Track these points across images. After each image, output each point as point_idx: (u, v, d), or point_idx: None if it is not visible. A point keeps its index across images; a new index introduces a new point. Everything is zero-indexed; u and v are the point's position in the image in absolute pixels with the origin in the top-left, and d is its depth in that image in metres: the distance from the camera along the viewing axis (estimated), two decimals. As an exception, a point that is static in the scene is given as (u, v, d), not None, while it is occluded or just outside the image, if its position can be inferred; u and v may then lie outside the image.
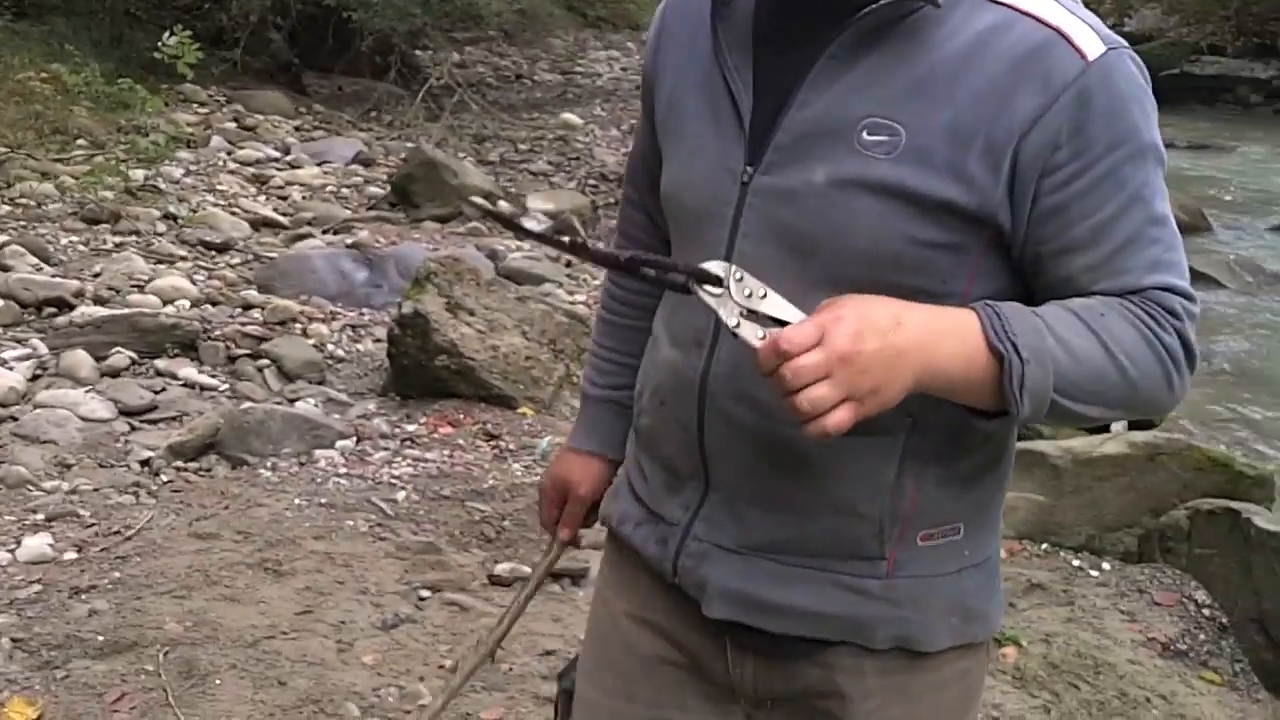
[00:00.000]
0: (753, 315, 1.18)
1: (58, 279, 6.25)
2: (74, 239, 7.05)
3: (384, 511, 4.19)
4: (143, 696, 3.05)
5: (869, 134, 1.25)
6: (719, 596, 1.41)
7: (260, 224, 8.01)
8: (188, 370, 5.46)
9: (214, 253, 7.23)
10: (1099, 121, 1.22)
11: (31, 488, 4.31)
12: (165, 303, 6.16)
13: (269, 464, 4.53)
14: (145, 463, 4.58)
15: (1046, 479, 4.43)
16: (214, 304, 6.30)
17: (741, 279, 1.19)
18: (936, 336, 1.18)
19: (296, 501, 4.19)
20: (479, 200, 7.96)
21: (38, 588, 3.56)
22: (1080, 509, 4.38)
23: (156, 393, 5.23)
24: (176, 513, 4.11)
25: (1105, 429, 4.94)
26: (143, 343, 5.58)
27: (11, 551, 3.77)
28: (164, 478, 4.43)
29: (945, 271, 1.27)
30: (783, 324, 1.17)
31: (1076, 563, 4.21)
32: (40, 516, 4.03)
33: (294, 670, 3.23)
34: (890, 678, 1.41)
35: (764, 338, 1.16)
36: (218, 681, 3.14)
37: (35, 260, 6.53)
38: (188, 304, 6.20)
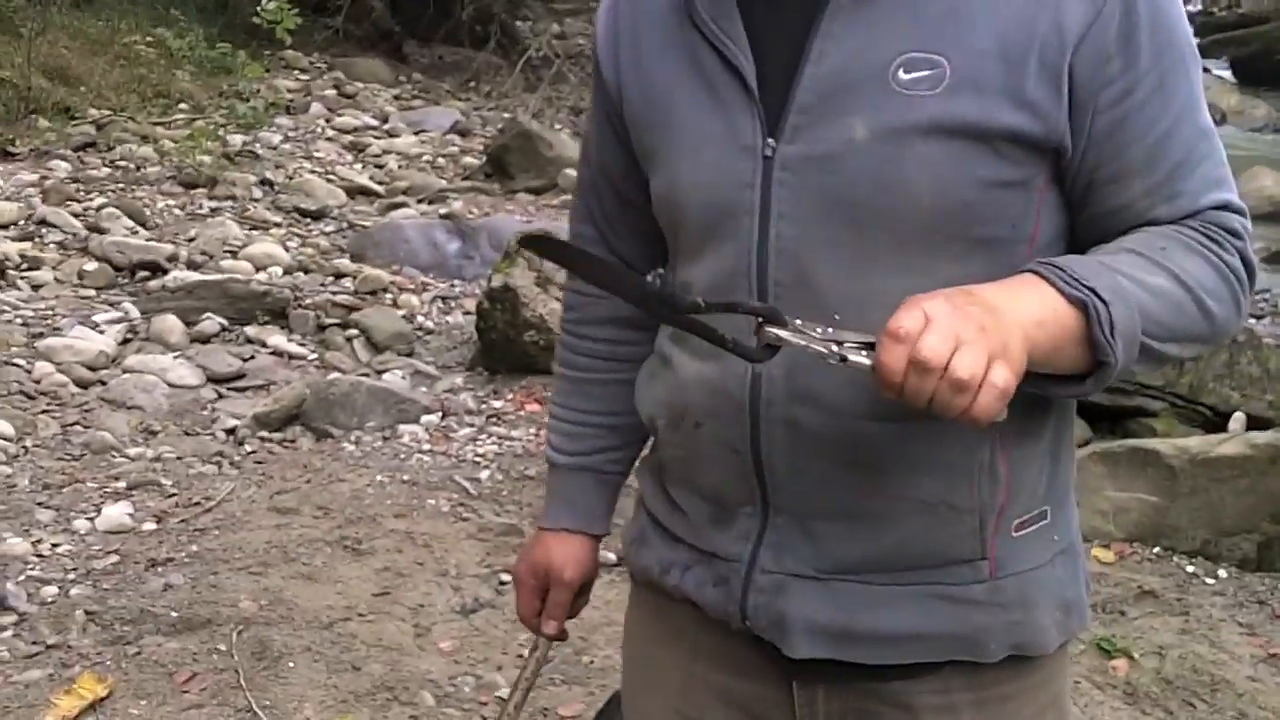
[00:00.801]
0: (832, 338, 1.03)
1: (152, 243, 6.25)
2: (170, 203, 7.07)
3: (467, 491, 4.08)
4: (214, 677, 2.97)
5: (906, 72, 1.11)
6: (804, 632, 1.23)
7: (356, 192, 7.97)
8: (277, 338, 5.41)
9: (308, 220, 7.21)
10: (1145, 27, 1.11)
11: (115, 454, 4.28)
12: (257, 269, 6.13)
13: (353, 437, 4.44)
14: (230, 431, 4.53)
15: (1160, 479, 4.19)
16: (306, 271, 6.26)
17: (800, 324, 1.03)
18: (1015, 296, 1.04)
19: (378, 478, 4.10)
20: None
21: (115, 559, 3.51)
22: (1195, 512, 4.13)
23: (245, 360, 5.19)
24: (258, 485, 4.04)
25: (1223, 429, 4.68)
26: (233, 309, 5.55)
27: (91, 520, 3.73)
28: (248, 448, 4.38)
29: (1016, 213, 1.14)
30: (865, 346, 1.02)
31: (1190, 569, 3.97)
32: (122, 484, 4.00)
33: (369, 655, 3.14)
34: (995, 689, 1.25)
35: (866, 354, 1.00)
36: (290, 664, 3.05)
37: (131, 223, 6.54)
38: (280, 271, 6.16)
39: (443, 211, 7.54)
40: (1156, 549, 4.06)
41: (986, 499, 1.18)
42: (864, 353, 1.00)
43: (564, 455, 1.48)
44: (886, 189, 1.11)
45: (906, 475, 1.18)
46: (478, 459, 4.34)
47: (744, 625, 1.26)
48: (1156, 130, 1.13)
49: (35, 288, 5.78)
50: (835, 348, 1.01)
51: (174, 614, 3.20)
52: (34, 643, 3.07)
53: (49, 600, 3.27)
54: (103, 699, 2.86)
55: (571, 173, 7.09)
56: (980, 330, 0.98)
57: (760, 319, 1.04)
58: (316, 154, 8.73)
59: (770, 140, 1.15)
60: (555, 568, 1.48)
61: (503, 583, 3.60)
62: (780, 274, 1.16)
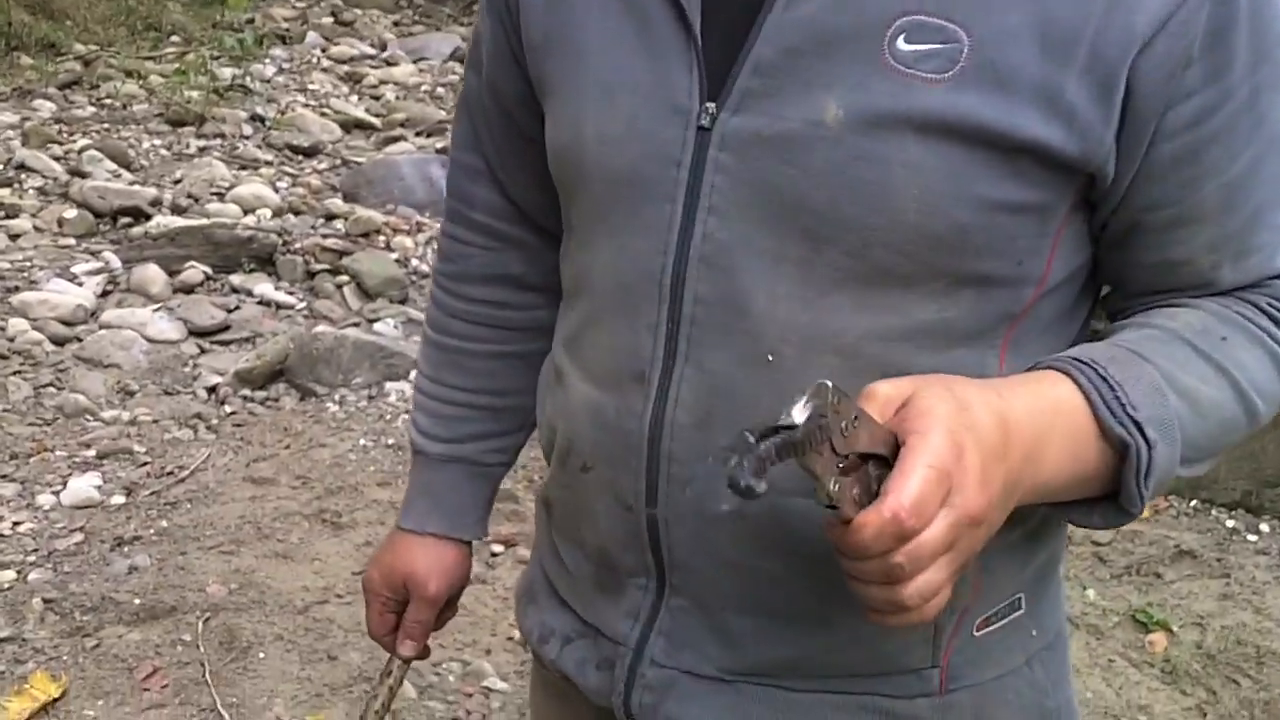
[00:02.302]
0: (846, 462, 0.73)
1: (135, 186, 5.98)
2: (157, 142, 6.78)
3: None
4: (176, 673, 2.75)
5: (908, 42, 0.81)
6: None
7: (351, 126, 7.65)
8: (264, 287, 5.16)
9: (300, 157, 6.91)
10: (1243, 25, 0.80)
11: (89, 418, 4.05)
12: (246, 211, 5.86)
13: (337, 396, 4.20)
14: (212, 390, 4.29)
15: (1198, 425, 3.94)
16: (296, 213, 5.98)
17: (839, 403, 0.71)
18: (1042, 436, 0.78)
19: (362, 442, 3.86)
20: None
21: (79, 537, 3.29)
22: (1236, 462, 3.86)
23: (229, 311, 4.94)
24: (235, 451, 3.81)
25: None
26: (218, 256, 5.29)
27: (57, 494, 3.51)
28: (228, 408, 4.14)
29: (1025, 247, 0.85)
30: (873, 460, 0.74)
31: (1231, 523, 3.71)
32: (92, 453, 3.77)
33: (346, 641, 2.92)
34: None
35: (857, 498, 0.73)
36: (261, 655, 2.84)
37: (114, 166, 6.27)
38: (269, 214, 5.89)
39: (439, 145, 7.23)
40: (1194, 502, 3.80)
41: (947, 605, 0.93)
42: (855, 490, 0.72)
43: (432, 441, 1.20)
44: (858, 195, 0.82)
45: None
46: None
47: (628, 716, 1.01)
48: (1239, 164, 0.84)
49: (13, 237, 5.53)
50: (836, 477, 0.71)
51: (137, 601, 2.98)
52: (-13, 635, 2.86)
53: (6, 587, 3.05)
54: (56, 699, 2.65)
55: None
56: (984, 535, 0.75)
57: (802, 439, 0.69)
58: (311, 86, 8.40)
59: (709, 105, 0.86)
60: (417, 579, 1.20)
61: (494, 554, 3.38)
62: (703, 287, 0.87)
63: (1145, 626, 3.08)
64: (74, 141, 6.59)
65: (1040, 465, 0.78)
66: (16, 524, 3.35)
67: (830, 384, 0.70)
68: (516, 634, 3.03)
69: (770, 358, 0.85)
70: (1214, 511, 3.78)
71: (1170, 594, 3.28)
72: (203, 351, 4.66)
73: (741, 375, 0.86)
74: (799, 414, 0.68)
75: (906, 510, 0.70)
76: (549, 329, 1.09)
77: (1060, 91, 0.79)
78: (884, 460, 0.73)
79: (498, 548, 3.39)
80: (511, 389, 1.16)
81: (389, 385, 4.28)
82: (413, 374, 4.30)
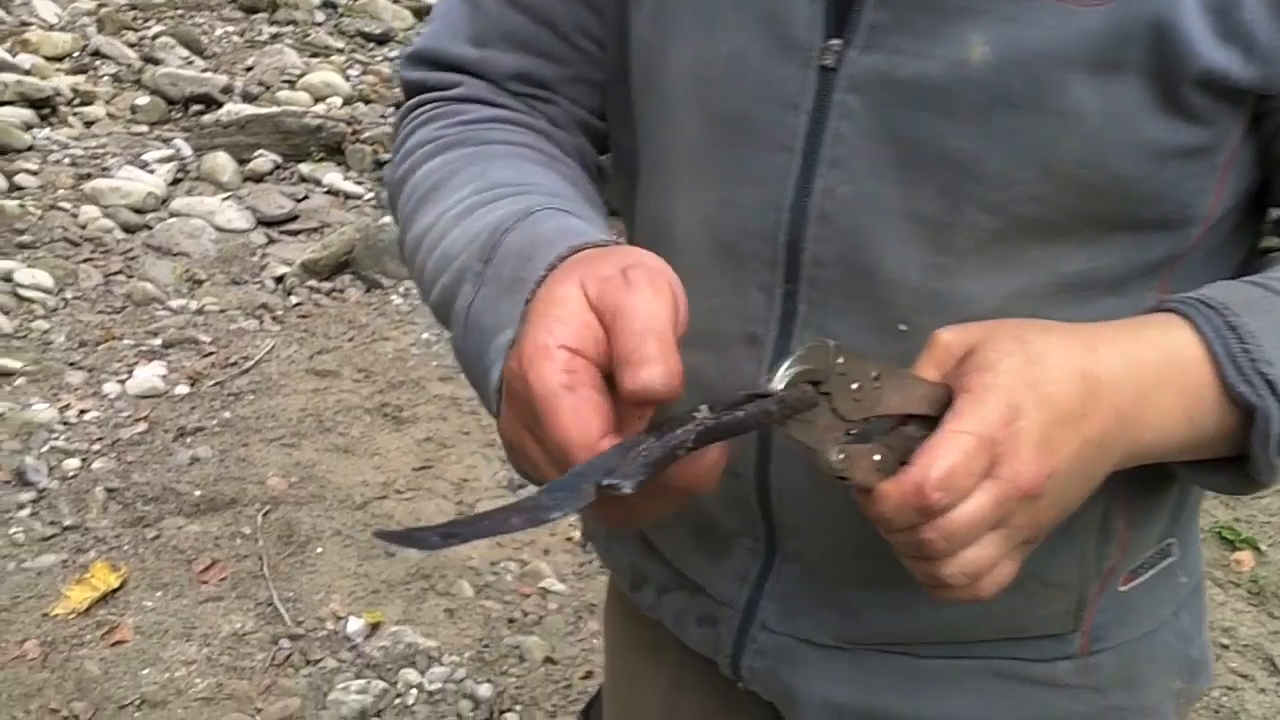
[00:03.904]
0: (862, 426, 0.63)
1: (207, 74, 5.93)
2: (229, 29, 6.70)
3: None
4: (234, 566, 2.74)
5: None
6: (819, 713, 0.88)
7: (423, 13, 7.50)
8: (332, 176, 5.09)
9: (372, 45, 6.80)
10: None
11: (157, 306, 4.04)
12: (316, 100, 5.79)
13: (401, 289, 4.14)
14: (279, 280, 4.26)
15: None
16: (366, 102, 5.89)
17: (844, 363, 0.62)
18: (1146, 393, 0.67)
19: (424, 336, 3.80)
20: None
21: (143, 427, 3.28)
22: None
23: (298, 201, 4.89)
24: (299, 343, 3.77)
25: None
26: (287, 145, 5.23)
27: (123, 383, 3.50)
28: (294, 299, 4.10)
29: (1192, 189, 0.74)
30: (917, 421, 0.64)
31: (1328, 436, 3.54)
32: (158, 342, 3.75)
33: (405, 538, 2.88)
34: None
35: (880, 463, 0.63)
36: (319, 549, 2.81)
37: (186, 53, 6.22)
38: (339, 102, 5.81)
39: (515, 33, 7.08)
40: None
41: (1093, 568, 0.82)
42: (878, 456, 0.63)
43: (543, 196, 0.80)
44: (1007, 147, 0.70)
45: None
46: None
47: (737, 683, 0.92)
48: None
49: (87, 124, 5.52)
50: (841, 448, 0.62)
51: (198, 492, 2.97)
52: (51, 523, 2.86)
53: (70, 475, 3.06)
54: (115, 590, 2.65)
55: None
56: (1044, 510, 0.64)
57: (782, 408, 0.61)
58: (386, -30, 8.25)
59: (834, 42, 0.73)
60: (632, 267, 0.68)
61: (556, 453, 3.32)
62: (822, 248, 0.75)
63: (1231, 544, 2.95)
64: (148, 28, 6.54)
65: (1141, 426, 0.67)
66: (83, 412, 3.35)
67: (832, 343, 0.61)
68: (576, 534, 2.98)
69: (903, 327, 0.74)
70: (1309, 423, 3.61)
71: (1260, 509, 3.13)
72: (270, 241, 4.62)
73: (871, 344, 0.74)
74: (778, 381, 0.60)
75: (932, 483, 0.60)
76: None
77: (1236, 11, 0.67)
78: (932, 421, 0.63)
79: (561, 446, 3.34)
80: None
81: (455, 278, 4.22)
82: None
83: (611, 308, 0.60)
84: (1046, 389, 0.63)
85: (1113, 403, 0.65)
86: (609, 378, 0.60)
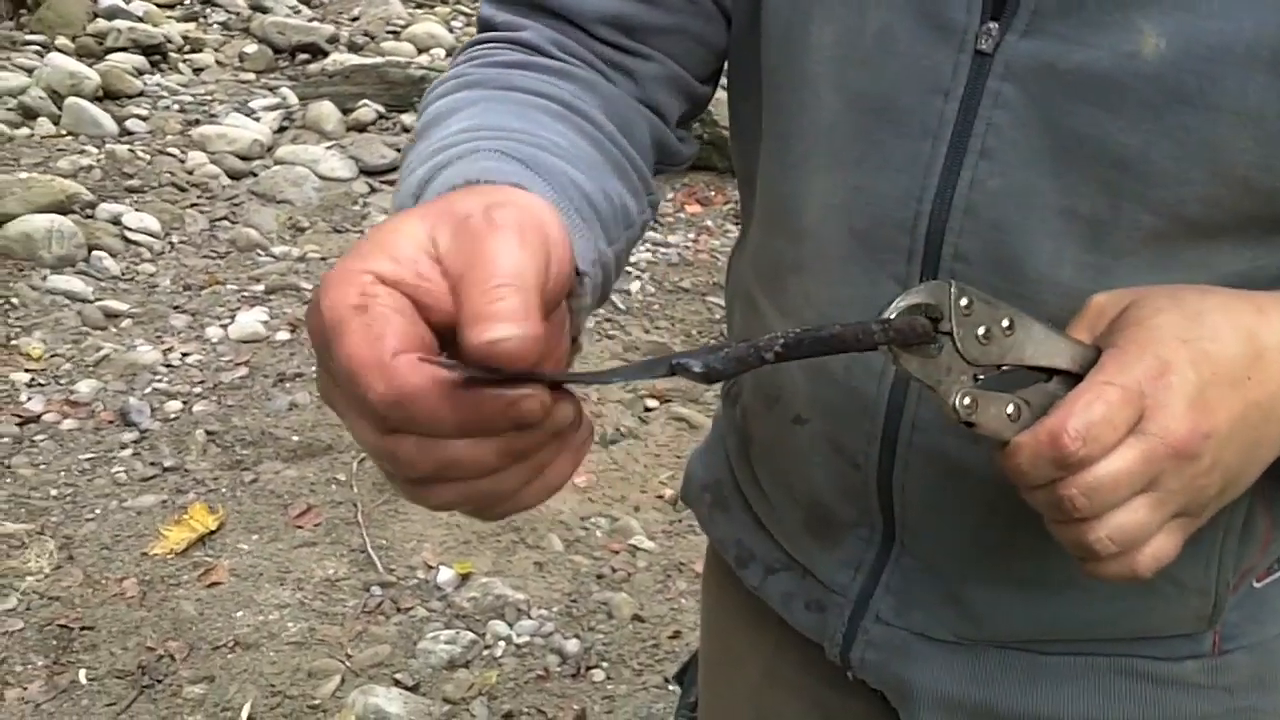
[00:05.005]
0: (991, 374, 0.59)
1: (314, 23, 5.98)
2: (336, -22, 6.75)
3: (614, 304, 3.75)
4: (329, 512, 2.77)
5: None
6: (933, 706, 0.85)
7: (530, -36, 7.49)
8: (434, 127, 5.11)
9: (477, -5, 6.81)
10: None
11: (261, 252, 4.09)
12: (420, 51, 5.81)
13: (500, 241, 4.14)
14: (379, 230, 4.28)
15: None
16: (470, 53, 5.90)
17: (969, 305, 0.58)
18: None
19: (522, 288, 3.80)
20: None
21: (243, 371, 3.32)
22: None
23: (399, 150, 4.91)
24: (398, 292, 3.79)
25: None
26: (390, 95, 5.25)
27: (225, 327, 3.55)
28: (393, 249, 4.12)
29: None
30: (1059, 376, 0.60)
31: None
32: (261, 288, 3.80)
33: (496, 490, 2.89)
34: None
35: (1016, 416, 0.59)
36: (411, 498, 2.83)
37: (294, 2, 6.28)
38: (442, 53, 5.83)
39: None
40: None
41: (1231, 570, 0.76)
42: (1010, 408, 0.59)
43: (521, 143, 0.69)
44: (1176, 146, 0.65)
45: None
46: (628, 268, 3.99)
47: (846, 673, 0.88)
48: None
49: (196, 71, 5.60)
50: (969, 392, 0.58)
51: (295, 438, 3.01)
52: (152, 464, 2.92)
53: (172, 416, 3.11)
54: (212, 532, 2.69)
55: None
56: (1204, 473, 0.59)
57: (892, 339, 0.56)
58: (492, -78, 8.24)
59: (990, 26, 0.68)
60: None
61: (647, 409, 3.30)
62: (967, 242, 0.71)
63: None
64: (257, -25, 6.61)
65: None
66: (185, 355, 3.40)
67: (954, 283, 0.57)
68: (667, 492, 2.96)
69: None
70: None
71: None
72: (372, 190, 4.65)
73: None
74: (890, 311, 0.56)
75: (1071, 433, 0.56)
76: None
77: None
78: (1077, 379, 0.59)
79: (652, 403, 3.31)
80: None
81: (553, 232, 4.21)
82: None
83: (466, 254, 0.50)
84: (1205, 345, 0.59)
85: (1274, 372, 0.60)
86: (449, 337, 0.50)
